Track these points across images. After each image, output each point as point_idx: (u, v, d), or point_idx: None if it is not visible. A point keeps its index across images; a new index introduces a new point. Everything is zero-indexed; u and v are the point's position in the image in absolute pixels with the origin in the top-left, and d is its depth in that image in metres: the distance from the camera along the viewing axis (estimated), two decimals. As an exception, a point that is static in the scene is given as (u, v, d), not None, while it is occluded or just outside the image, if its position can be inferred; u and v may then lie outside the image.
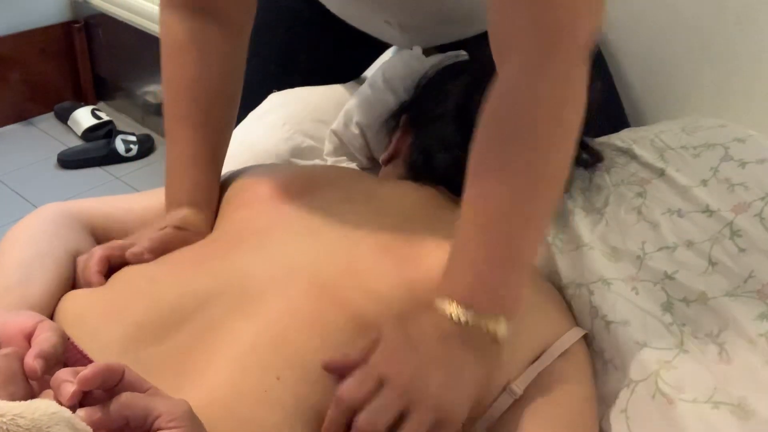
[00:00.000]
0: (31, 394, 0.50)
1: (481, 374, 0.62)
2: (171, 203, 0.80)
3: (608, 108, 1.10)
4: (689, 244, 0.77)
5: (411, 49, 1.05)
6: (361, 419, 0.57)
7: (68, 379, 0.48)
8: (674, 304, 0.74)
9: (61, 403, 0.47)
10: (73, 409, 0.47)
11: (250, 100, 1.05)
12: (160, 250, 0.73)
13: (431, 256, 0.71)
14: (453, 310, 0.61)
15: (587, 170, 0.89)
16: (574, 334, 0.73)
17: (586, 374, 0.72)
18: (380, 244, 0.72)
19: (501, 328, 0.62)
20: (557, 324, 0.73)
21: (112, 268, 0.72)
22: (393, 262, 0.70)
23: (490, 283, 0.62)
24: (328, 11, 1.08)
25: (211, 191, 0.82)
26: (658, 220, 0.80)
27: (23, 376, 0.51)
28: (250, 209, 0.78)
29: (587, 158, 0.90)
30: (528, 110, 0.62)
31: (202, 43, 0.80)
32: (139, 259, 0.72)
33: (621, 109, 1.13)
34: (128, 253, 0.72)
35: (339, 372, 0.60)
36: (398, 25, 1.00)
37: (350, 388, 0.58)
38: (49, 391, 0.49)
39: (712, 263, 0.75)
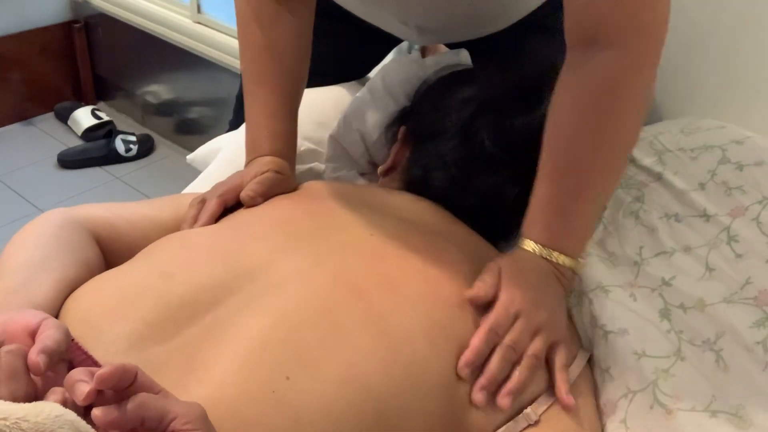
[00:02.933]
0: (33, 391, 0.50)
1: (565, 300, 0.75)
2: (254, 152, 0.88)
3: None
4: (687, 249, 0.77)
5: (421, 45, 1.04)
6: (506, 343, 0.68)
7: (83, 379, 0.48)
8: (671, 310, 0.73)
9: (69, 404, 0.47)
10: (87, 409, 0.47)
11: None
12: (268, 193, 0.82)
13: (454, 261, 0.72)
14: (538, 250, 0.73)
15: None
16: (583, 358, 0.74)
17: (592, 397, 0.73)
18: (406, 245, 0.72)
19: (579, 264, 0.74)
20: (570, 348, 0.74)
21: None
22: (419, 261, 0.71)
23: (566, 228, 0.74)
24: (339, 7, 1.08)
25: (290, 140, 0.90)
26: (655, 225, 0.80)
27: (26, 373, 0.51)
28: (272, 205, 0.79)
29: None
30: (623, 96, 0.71)
31: (272, 15, 0.89)
32: (253, 203, 0.80)
33: None
34: (243, 195, 0.81)
35: (479, 304, 0.70)
36: (416, 28, 1.01)
37: (499, 323, 0.68)
38: (55, 389, 0.50)
39: (710, 269, 0.75)
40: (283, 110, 0.89)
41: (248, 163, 0.88)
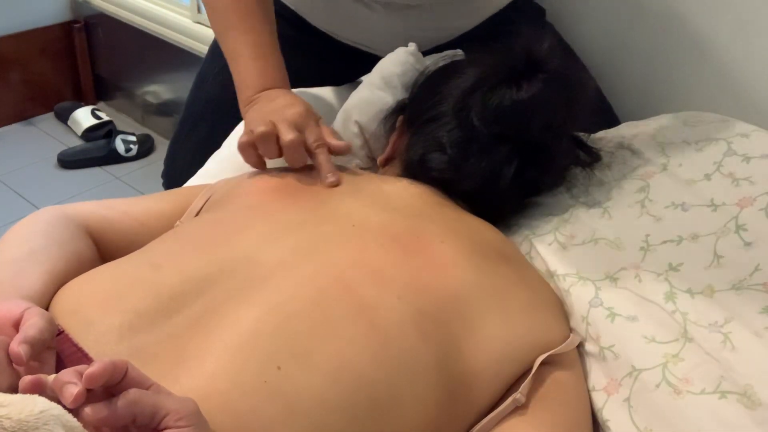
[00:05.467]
0: (17, 382, 0.48)
1: None
2: (251, 86, 0.89)
3: (601, 106, 1.11)
4: (694, 237, 0.76)
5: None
6: None
7: (71, 381, 0.46)
8: (677, 294, 0.73)
9: (63, 405, 0.46)
10: (77, 410, 0.46)
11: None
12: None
13: (436, 246, 0.72)
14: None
15: (586, 170, 0.89)
16: (574, 341, 0.73)
17: (581, 378, 0.73)
18: (388, 235, 0.72)
19: None
20: (558, 330, 0.74)
21: None
22: (400, 251, 0.70)
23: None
24: (307, 34, 1.08)
25: (284, 72, 0.92)
26: (661, 214, 0.79)
27: (9, 365, 0.50)
28: (259, 197, 0.78)
29: (586, 158, 0.90)
30: None
31: None
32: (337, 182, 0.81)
33: (610, 106, 1.13)
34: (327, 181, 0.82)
35: None
36: (381, 8, 1.01)
37: None
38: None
39: (718, 256, 0.74)
40: (274, 43, 0.91)
41: (254, 96, 0.89)
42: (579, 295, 0.76)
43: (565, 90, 0.83)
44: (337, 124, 1.02)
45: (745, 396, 0.64)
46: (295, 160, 0.83)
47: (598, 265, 0.77)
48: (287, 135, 0.81)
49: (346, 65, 1.11)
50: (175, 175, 1.16)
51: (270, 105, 0.86)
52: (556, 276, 0.79)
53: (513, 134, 0.82)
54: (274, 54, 0.91)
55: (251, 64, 0.90)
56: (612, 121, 1.10)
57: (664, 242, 0.77)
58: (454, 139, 0.83)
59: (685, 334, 0.69)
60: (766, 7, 1.02)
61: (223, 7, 0.92)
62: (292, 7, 1.11)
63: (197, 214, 0.81)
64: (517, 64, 0.83)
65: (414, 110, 0.92)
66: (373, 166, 1.01)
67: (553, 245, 0.81)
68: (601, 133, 0.96)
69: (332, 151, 0.85)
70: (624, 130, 0.95)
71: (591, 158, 0.90)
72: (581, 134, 0.91)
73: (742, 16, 1.03)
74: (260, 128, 0.82)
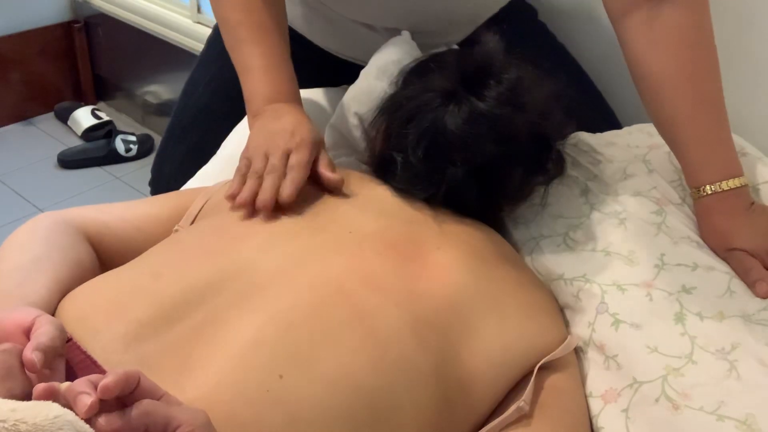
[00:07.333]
0: (30, 389, 0.49)
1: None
2: (260, 98, 0.87)
3: (600, 106, 1.10)
4: (709, 269, 0.76)
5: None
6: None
7: (85, 391, 0.47)
8: (687, 316, 0.72)
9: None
10: (90, 419, 0.47)
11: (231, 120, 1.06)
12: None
13: (433, 253, 0.72)
14: (726, 185, 0.78)
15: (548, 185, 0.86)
16: (571, 344, 0.74)
17: (579, 382, 0.73)
18: (384, 242, 0.73)
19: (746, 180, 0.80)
20: (555, 333, 0.74)
21: None
22: (397, 258, 0.71)
23: (729, 153, 0.80)
24: (303, 47, 1.09)
25: (296, 85, 0.91)
26: (677, 242, 0.79)
27: (22, 371, 0.51)
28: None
29: (551, 168, 0.85)
30: (707, 16, 0.80)
31: None
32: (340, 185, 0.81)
33: (608, 105, 1.13)
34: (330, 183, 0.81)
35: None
36: (385, 30, 1.01)
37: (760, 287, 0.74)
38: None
39: (731, 291, 0.74)
40: (286, 58, 0.90)
41: (262, 109, 0.87)
42: (586, 299, 0.76)
43: (497, 123, 0.79)
44: (336, 118, 1.01)
45: (745, 424, 0.64)
46: (263, 194, 0.76)
47: (608, 272, 0.77)
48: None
49: (344, 78, 1.11)
50: (162, 183, 1.15)
51: (275, 124, 0.84)
52: (564, 279, 0.79)
53: (446, 162, 0.79)
54: (285, 66, 0.89)
55: (261, 76, 0.88)
56: (612, 120, 1.09)
57: (679, 265, 0.76)
58: (415, 147, 0.81)
59: (691, 356, 0.69)
60: (766, 6, 1.02)
61: (236, 21, 0.90)
62: (288, 23, 1.11)
63: (195, 218, 0.81)
64: (455, 85, 0.81)
65: (389, 112, 0.88)
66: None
67: (562, 247, 0.81)
68: (611, 135, 0.95)
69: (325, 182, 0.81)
70: (638, 138, 0.93)
71: (556, 170, 0.86)
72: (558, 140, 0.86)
73: (743, 15, 1.03)
74: (256, 163, 0.79)
